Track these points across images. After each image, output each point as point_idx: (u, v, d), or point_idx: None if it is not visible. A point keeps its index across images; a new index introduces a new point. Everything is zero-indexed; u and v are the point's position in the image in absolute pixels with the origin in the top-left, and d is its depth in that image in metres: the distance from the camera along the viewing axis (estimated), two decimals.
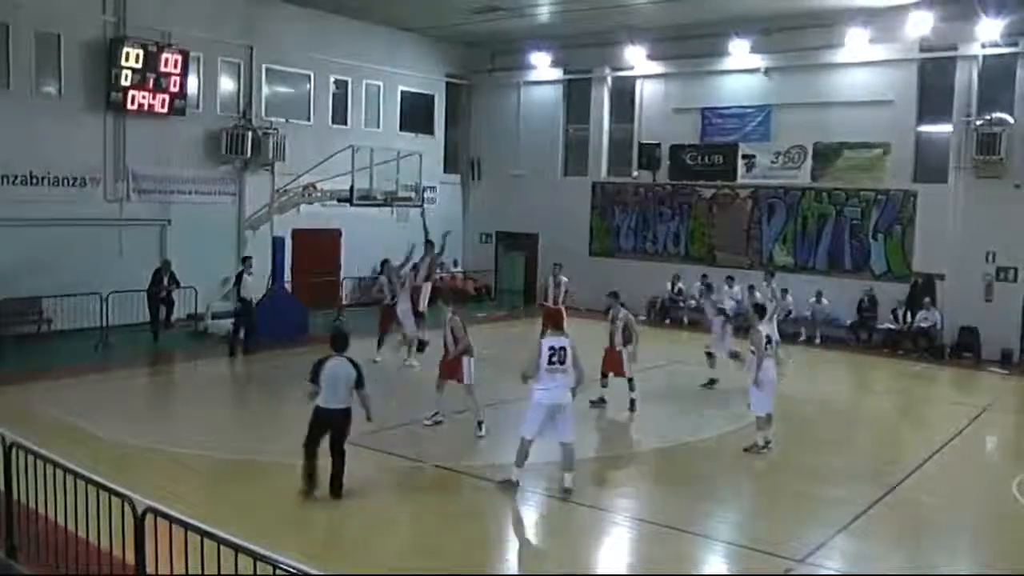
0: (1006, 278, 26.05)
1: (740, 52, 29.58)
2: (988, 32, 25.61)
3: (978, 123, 26.01)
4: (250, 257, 23.84)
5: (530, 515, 12.51)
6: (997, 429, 19.18)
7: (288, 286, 26.79)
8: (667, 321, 30.49)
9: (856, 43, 27.67)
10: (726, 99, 30.88)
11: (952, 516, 13.20)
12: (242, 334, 22.91)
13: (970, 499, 13.90)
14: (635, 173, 32.75)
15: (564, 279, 23.81)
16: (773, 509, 12.96)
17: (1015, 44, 25.70)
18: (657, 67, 31.97)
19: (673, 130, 31.76)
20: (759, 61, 29.75)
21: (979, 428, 18.65)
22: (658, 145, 31.96)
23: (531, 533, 12.13)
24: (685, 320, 30.23)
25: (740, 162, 30.46)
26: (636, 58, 31.84)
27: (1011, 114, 25.72)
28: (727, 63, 30.37)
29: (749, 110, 30.27)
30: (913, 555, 11.48)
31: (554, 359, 12.31)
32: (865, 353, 26.62)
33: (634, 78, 32.67)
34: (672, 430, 17.06)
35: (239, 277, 23.30)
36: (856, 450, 16.78)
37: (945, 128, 27.26)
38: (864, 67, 28.24)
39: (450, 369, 15.93)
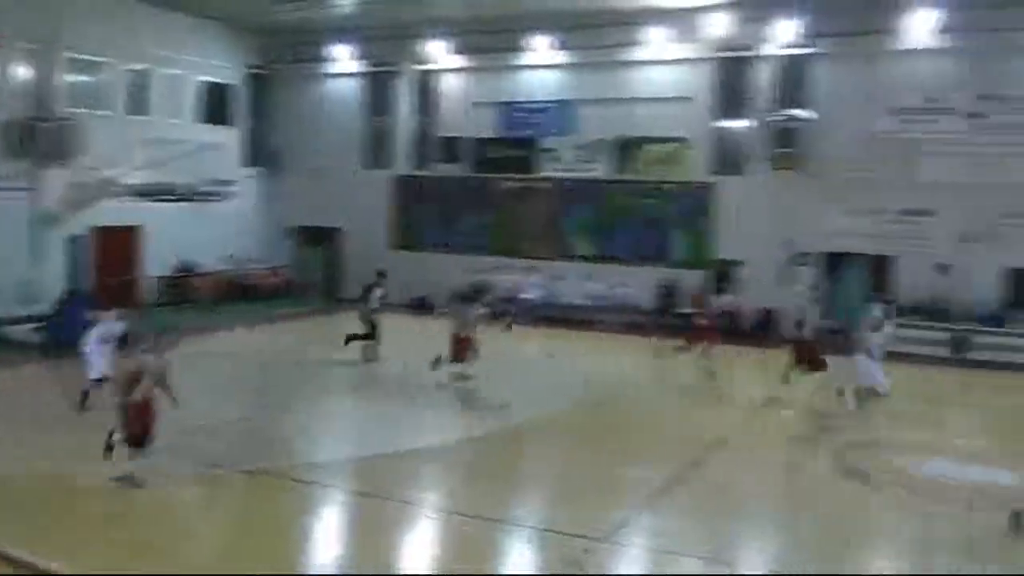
0: (802, 263, 27.75)
1: (541, 48, 30.12)
2: (785, 33, 27.31)
3: (775, 119, 27.59)
4: None
5: (340, 515, 12.40)
6: (796, 405, 19.97)
7: (88, 286, 25.71)
8: None
9: (656, 42, 28.66)
10: (528, 93, 31.31)
11: (754, 488, 13.84)
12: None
13: (770, 472, 14.68)
14: (438, 166, 32.82)
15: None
16: (577, 491, 13.19)
17: (810, 45, 27.37)
18: (459, 61, 32.14)
19: (476, 124, 31.97)
20: (560, 57, 30.34)
21: (779, 404, 19.64)
22: (461, 138, 32.17)
23: (342, 533, 11.99)
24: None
25: (542, 155, 31.04)
26: (438, 52, 31.92)
27: (806, 110, 27.39)
28: (529, 58, 30.77)
29: (551, 105, 30.78)
30: (715, 527, 11.99)
31: None
32: (668, 338, 27.29)
33: (436, 72, 32.72)
34: (476, 420, 17.39)
35: None
36: (659, 430, 17.32)
37: (744, 123, 28.65)
38: (664, 65, 29.24)
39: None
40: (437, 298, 30.69)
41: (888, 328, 18.28)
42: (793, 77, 27.89)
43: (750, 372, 22.92)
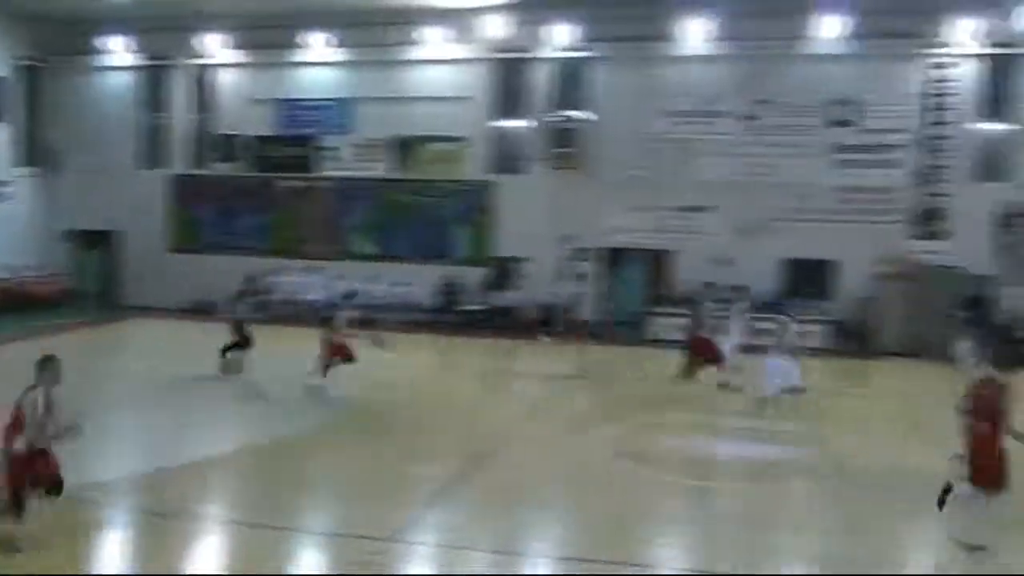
0: (582, 259, 28.47)
1: (318, 45, 29.76)
2: (561, 37, 27.97)
3: (553, 119, 28.18)
4: None
5: (123, 534, 11.59)
6: (576, 394, 20.62)
7: None
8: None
9: (434, 41, 28.79)
10: (306, 91, 30.81)
11: (539, 477, 14.08)
12: None
13: (555, 460, 14.98)
14: (216, 165, 31.85)
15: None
16: (366, 492, 13.02)
17: (586, 49, 28.12)
18: (236, 56, 31.27)
19: (254, 121, 31.19)
20: (338, 54, 30.05)
21: (560, 394, 20.41)
22: (239, 136, 31.34)
23: (125, 553, 11.16)
24: (269, 316, 29.44)
25: (322, 154, 30.63)
26: (215, 46, 31.01)
27: (584, 111, 28.11)
28: (307, 55, 30.33)
29: (330, 102, 30.41)
30: (502, 519, 12.11)
31: None
32: (451, 335, 27.25)
33: (214, 66, 31.69)
34: (262, 427, 16.80)
35: None
36: (446, 428, 17.26)
37: (523, 123, 29.12)
38: (443, 64, 29.44)
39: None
40: (220, 302, 29.87)
41: (795, 327, 18.60)
42: (570, 79, 28.63)
43: (535, 365, 23.29)
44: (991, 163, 27.14)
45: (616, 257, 28.60)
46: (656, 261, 28.33)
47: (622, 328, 27.18)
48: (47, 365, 10.68)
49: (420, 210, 29.72)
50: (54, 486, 10.33)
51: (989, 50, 26.77)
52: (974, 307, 25.68)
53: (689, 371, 20.37)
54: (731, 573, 10.53)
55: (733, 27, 26.97)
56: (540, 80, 28.87)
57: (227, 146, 31.46)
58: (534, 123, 28.70)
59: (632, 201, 27.91)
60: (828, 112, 27.22)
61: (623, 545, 11.17)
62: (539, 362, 24.07)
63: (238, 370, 20.67)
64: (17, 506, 10.04)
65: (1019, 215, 27.11)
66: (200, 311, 30.19)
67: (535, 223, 28.37)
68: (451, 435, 16.68)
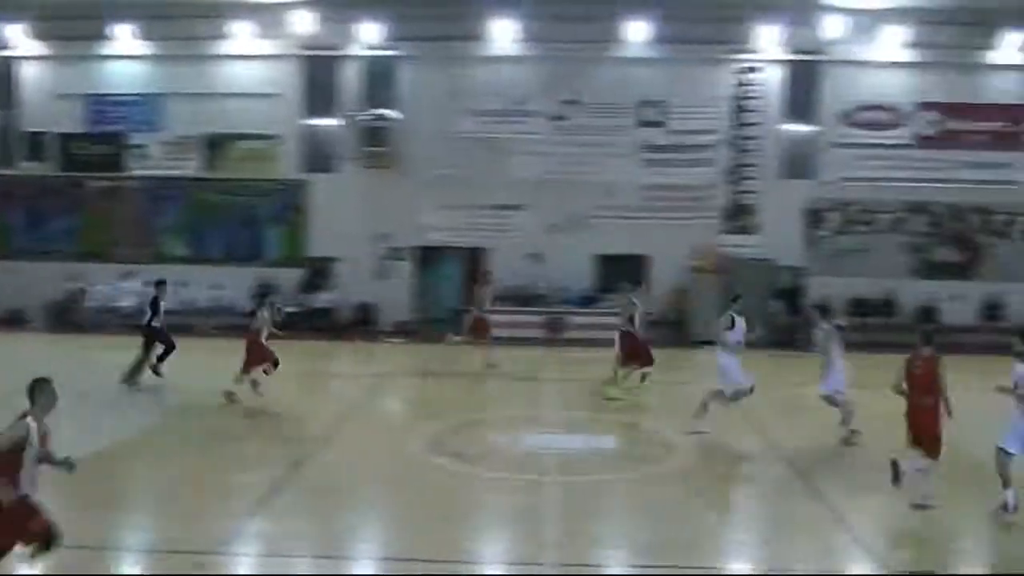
0: (397, 258, 28.67)
1: (124, 37, 28.68)
2: (369, 35, 27.87)
3: (363, 118, 27.93)
4: None
5: None
6: (396, 393, 21.10)
7: None
8: (65, 327, 28.39)
9: (242, 36, 28.27)
10: (113, 86, 29.67)
11: (359, 479, 13.96)
12: None
13: (375, 461, 14.84)
14: (24, 164, 30.26)
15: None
16: (186, 505, 12.55)
17: (393, 48, 28.12)
18: (39, 48, 29.81)
19: (61, 118, 29.74)
20: (145, 48, 29.07)
21: (380, 394, 20.70)
22: (46, 133, 29.90)
23: None
24: (86, 325, 28.36)
25: (131, 152, 29.58)
26: (17, 37, 29.49)
27: (393, 110, 28.00)
28: (112, 48, 29.22)
29: (139, 98, 29.42)
30: (324, 523, 11.99)
31: None
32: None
33: (17, 59, 30.05)
34: (77, 439, 15.74)
35: None
36: (263, 434, 17.09)
37: (333, 122, 28.89)
38: (252, 60, 28.96)
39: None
40: (32, 311, 29.03)
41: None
42: (379, 77, 28.55)
43: (352, 366, 23.75)
44: (797, 162, 28.30)
45: (431, 255, 28.76)
46: (471, 259, 28.55)
47: (439, 326, 27.14)
48: (42, 388, 8.94)
49: (232, 210, 29.19)
50: (49, 539, 8.72)
51: (793, 56, 27.88)
52: (785, 297, 26.80)
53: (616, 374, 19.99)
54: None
55: (541, 29, 27.41)
56: (350, 78, 28.75)
57: (34, 144, 30.06)
58: (345, 121, 28.48)
59: (445, 199, 28.08)
60: (638, 113, 27.98)
61: (446, 542, 11.16)
62: (360, 362, 24.05)
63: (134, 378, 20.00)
64: None
65: (825, 210, 28.09)
66: (11, 321, 29.08)
67: (349, 222, 28.23)
68: (270, 440, 16.48)
